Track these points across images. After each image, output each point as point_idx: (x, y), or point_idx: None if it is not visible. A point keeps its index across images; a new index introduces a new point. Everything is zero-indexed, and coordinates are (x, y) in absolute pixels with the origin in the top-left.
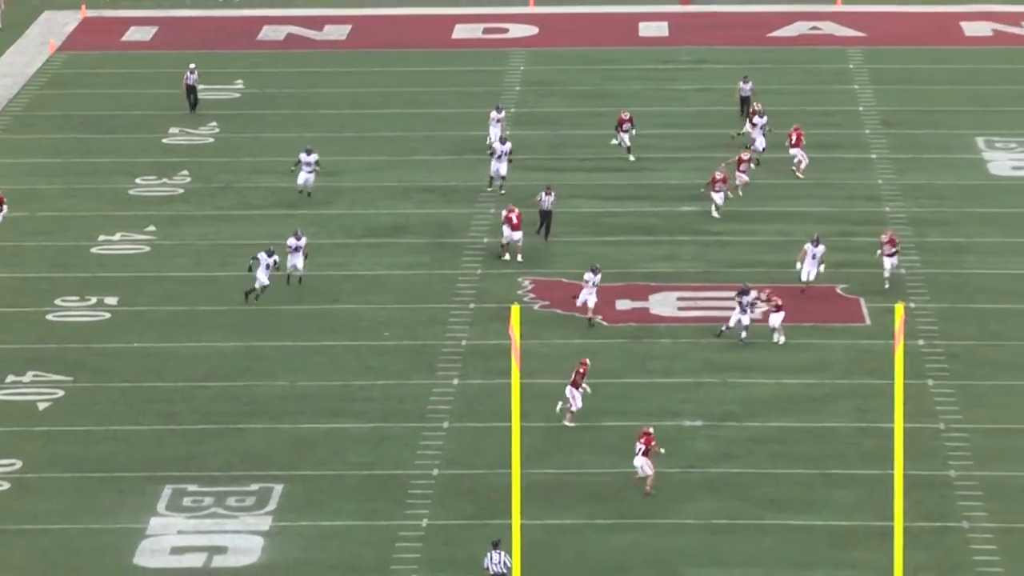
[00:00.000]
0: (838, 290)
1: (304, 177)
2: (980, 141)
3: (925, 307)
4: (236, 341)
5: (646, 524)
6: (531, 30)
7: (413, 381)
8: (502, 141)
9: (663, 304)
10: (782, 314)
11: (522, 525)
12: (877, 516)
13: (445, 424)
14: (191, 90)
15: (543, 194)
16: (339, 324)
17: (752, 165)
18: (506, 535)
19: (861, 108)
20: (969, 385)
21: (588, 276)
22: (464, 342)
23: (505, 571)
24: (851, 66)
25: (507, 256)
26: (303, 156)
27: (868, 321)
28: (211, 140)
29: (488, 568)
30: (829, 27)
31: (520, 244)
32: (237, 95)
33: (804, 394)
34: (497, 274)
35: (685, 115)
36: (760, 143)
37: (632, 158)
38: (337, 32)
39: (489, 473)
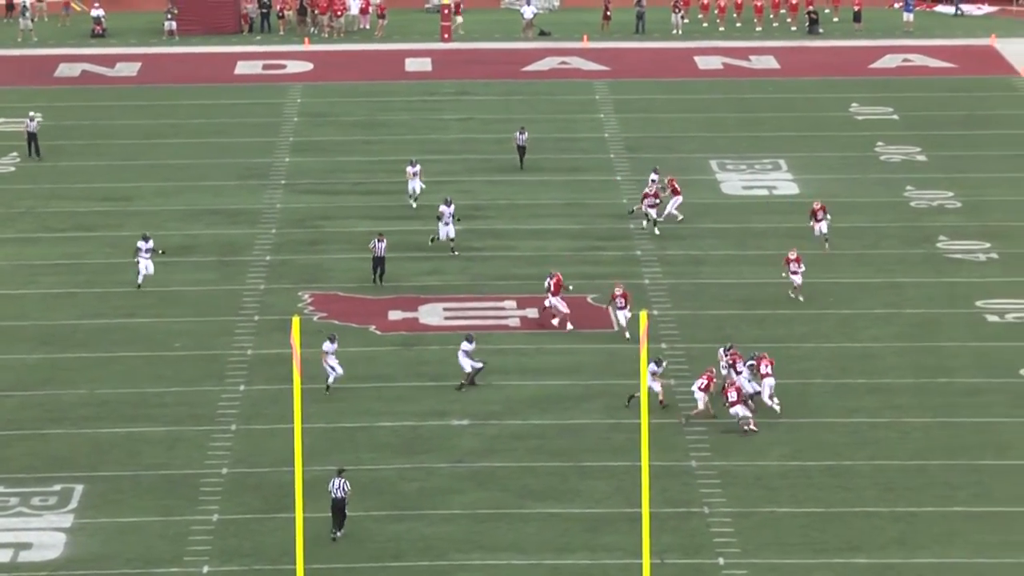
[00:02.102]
0: (589, 300)
1: (144, 265)
2: (714, 164)
3: (667, 314)
4: (39, 353)
5: (418, 515)
6: (307, 66)
7: (203, 388)
8: (447, 203)
9: (431, 314)
10: (772, 380)
11: (305, 518)
12: (627, 503)
13: (233, 427)
14: (32, 137)
15: (375, 240)
16: (135, 336)
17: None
18: (290, 528)
19: (606, 135)
20: None
21: (652, 367)
22: (250, 351)
23: (343, 495)
24: (597, 97)
25: (555, 321)
26: (141, 244)
27: (616, 327)
28: (12, 169)
29: (330, 492)
30: (577, 62)
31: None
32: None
33: (560, 394)
34: (279, 289)
35: (448, 142)
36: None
37: (658, 232)
38: (128, 69)
39: (274, 471)
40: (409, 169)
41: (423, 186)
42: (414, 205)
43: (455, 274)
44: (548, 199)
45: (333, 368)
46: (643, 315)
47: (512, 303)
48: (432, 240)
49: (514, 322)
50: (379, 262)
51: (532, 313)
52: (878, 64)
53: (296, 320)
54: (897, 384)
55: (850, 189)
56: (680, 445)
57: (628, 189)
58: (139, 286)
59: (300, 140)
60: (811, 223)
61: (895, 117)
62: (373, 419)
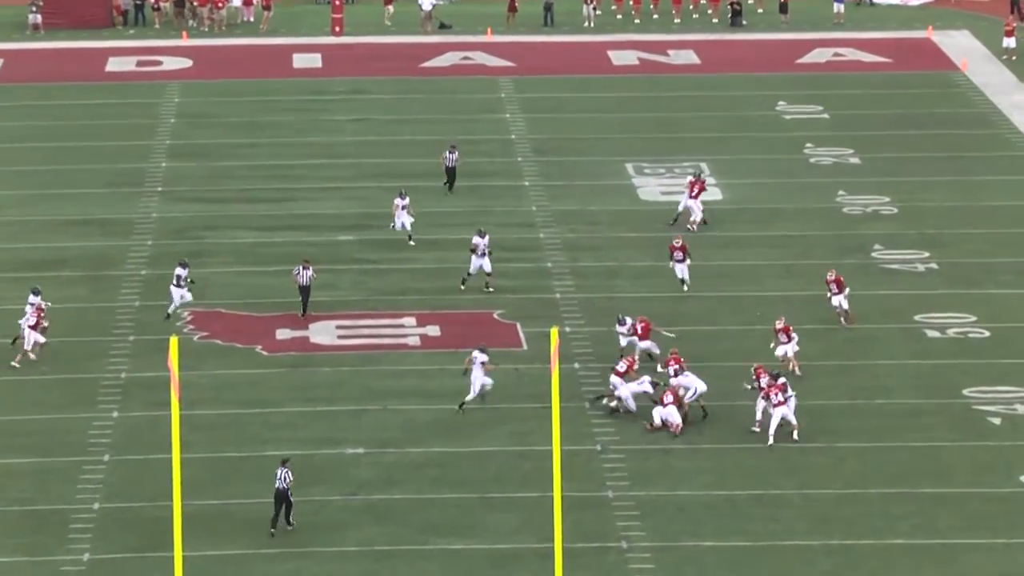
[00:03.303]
0: (495, 316)
1: (180, 295)
2: (630, 167)
3: (580, 331)
4: None
5: (309, 552)
6: (185, 63)
7: (73, 414)
8: (481, 234)
9: (323, 333)
10: (791, 403)
11: (184, 556)
12: (537, 538)
13: (106, 457)
14: None
15: (300, 268)
16: None
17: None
18: (168, 568)
19: (513, 136)
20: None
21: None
22: (124, 374)
23: (286, 485)
24: (502, 95)
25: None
26: (179, 271)
27: (525, 346)
28: None
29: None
30: (480, 57)
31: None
32: None
33: (463, 419)
34: (156, 306)
35: (340, 145)
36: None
37: (686, 288)
38: None
39: (151, 505)
40: (398, 201)
41: (412, 219)
42: (412, 243)
43: (348, 289)
44: (450, 207)
45: (484, 383)
46: (553, 332)
47: (411, 320)
48: (464, 280)
49: (414, 341)
50: (304, 292)
51: (433, 331)
52: (807, 59)
53: (174, 340)
54: (830, 406)
55: (778, 194)
56: (595, 473)
57: (536, 195)
58: (168, 316)
59: (178, 143)
60: (827, 294)
61: (825, 116)
62: (259, 448)
